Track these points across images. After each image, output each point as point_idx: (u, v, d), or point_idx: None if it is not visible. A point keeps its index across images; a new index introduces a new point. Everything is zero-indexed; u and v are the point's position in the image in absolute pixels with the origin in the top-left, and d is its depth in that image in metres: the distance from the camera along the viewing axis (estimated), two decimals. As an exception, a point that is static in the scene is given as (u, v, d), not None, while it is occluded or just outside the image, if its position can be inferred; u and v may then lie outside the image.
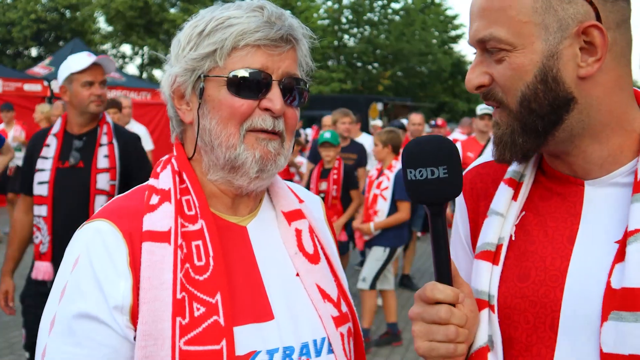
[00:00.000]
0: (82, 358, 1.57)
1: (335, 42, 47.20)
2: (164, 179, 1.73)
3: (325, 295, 1.79)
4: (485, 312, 1.62)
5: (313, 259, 1.83)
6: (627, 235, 1.47)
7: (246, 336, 1.63)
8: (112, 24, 40.88)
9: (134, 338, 1.57)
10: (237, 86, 1.66)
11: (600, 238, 1.54)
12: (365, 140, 11.29)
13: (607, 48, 1.49)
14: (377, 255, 7.89)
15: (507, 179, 1.71)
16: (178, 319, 1.56)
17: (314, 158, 9.72)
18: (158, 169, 1.77)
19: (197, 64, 1.68)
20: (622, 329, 1.41)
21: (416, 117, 12.14)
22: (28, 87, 17.42)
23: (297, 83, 1.74)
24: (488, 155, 1.86)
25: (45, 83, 17.80)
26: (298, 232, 1.84)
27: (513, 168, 1.71)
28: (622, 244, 1.48)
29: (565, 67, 1.51)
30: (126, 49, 58.67)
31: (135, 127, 12.45)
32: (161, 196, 1.69)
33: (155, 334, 1.54)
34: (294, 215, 1.86)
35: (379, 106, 28.53)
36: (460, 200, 1.86)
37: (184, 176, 1.74)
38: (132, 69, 57.65)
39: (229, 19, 1.66)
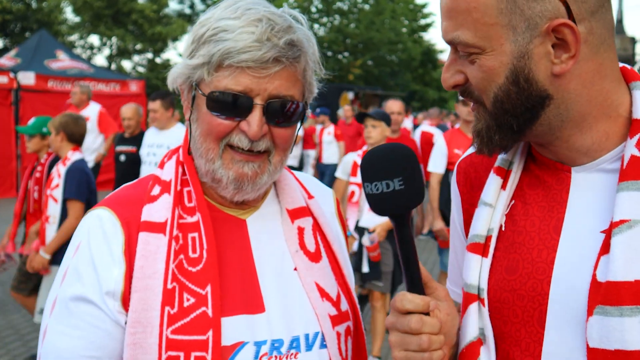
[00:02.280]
0: (77, 339, 1.63)
1: (305, 32, 46.97)
2: (167, 170, 1.79)
3: (324, 294, 1.80)
4: (475, 305, 1.62)
5: (314, 257, 1.84)
6: (612, 226, 1.44)
7: (234, 327, 1.66)
8: (80, 14, 40.35)
9: (125, 323, 1.63)
10: (215, 105, 1.65)
11: (586, 228, 1.52)
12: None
13: (581, 42, 1.45)
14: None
15: (496, 167, 1.69)
16: (167, 308, 1.61)
17: None
18: (165, 159, 1.84)
19: (191, 71, 1.69)
20: (607, 324, 1.40)
21: (394, 105, 9.27)
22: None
23: (285, 104, 1.68)
24: None
25: (12, 75, 17.55)
26: (300, 230, 1.85)
27: (502, 156, 1.69)
28: (608, 235, 1.45)
29: (538, 66, 1.48)
30: (94, 39, 58.07)
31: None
32: (162, 187, 1.75)
33: (144, 321, 1.60)
34: (298, 213, 1.86)
35: (350, 95, 28.52)
36: (454, 191, 1.85)
37: (185, 168, 1.79)
38: (100, 60, 57.10)
39: (222, 31, 1.62)
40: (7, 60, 19.50)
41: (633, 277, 1.39)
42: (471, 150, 1.85)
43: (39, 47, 19.74)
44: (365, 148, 7.36)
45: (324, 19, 48.54)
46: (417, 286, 1.55)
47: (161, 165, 1.82)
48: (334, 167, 14.73)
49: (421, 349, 1.49)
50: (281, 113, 1.68)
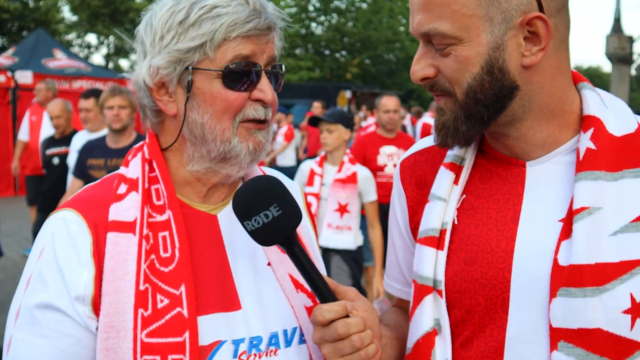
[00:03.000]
0: (45, 349, 1.56)
1: (303, 30, 47.04)
2: (133, 168, 1.72)
3: (298, 285, 1.78)
4: (430, 297, 1.68)
5: None
6: (572, 213, 1.52)
7: (211, 325, 1.63)
8: (77, 13, 40.37)
9: (96, 329, 1.56)
10: (231, 79, 1.64)
11: (543, 217, 1.60)
12: None
13: (551, 36, 1.52)
14: None
15: (447, 163, 1.74)
16: (140, 310, 1.55)
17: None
18: (129, 157, 1.76)
19: (183, 55, 1.63)
20: (570, 304, 1.48)
21: (389, 102, 7.97)
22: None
23: (282, 67, 1.76)
24: (424, 142, 1.91)
25: (9, 74, 17.52)
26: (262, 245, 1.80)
27: (454, 152, 1.74)
28: (568, 222, 1.53)
29: (510, 57, 1.54)
30: (91, 38, 58.03)
31: None
32: (129, 185, 1.67)
33: (117, 325, 1.53)
34: None
35: (347, 94, 28.52)
36: (398, 188, 1.90)
37: (154, 165, 1.72)
38: (97, 58, 57.00)
39: (215, 7, 1.61)
40: (4, 59, 19.47)
41: (594, 260, 1.48)
42: (414, 149, 1.92)
43: (37, 46, 19.70)
44: (322, 154, 6.66)
45: (322, 18, 48.52)
46: (328, 296, 1.59)
47: (125, 164, 1.74)
48: (286, 170, 13.88)
49: (356, 348, 1.54)
50: (278, 76, 1.75)
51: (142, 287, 1.56)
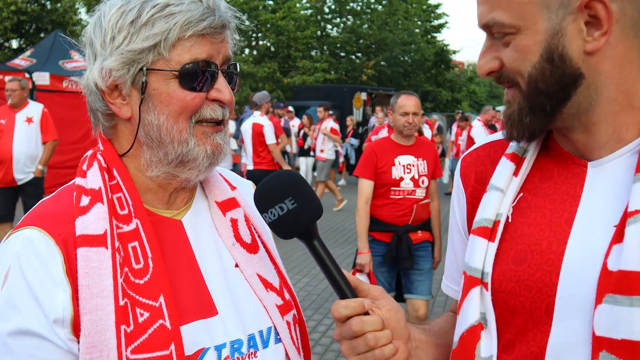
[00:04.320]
0: None
1: (318, 32, 47.06)
2: (92, 178, 1.62)
3: (267, 285, 1.77)
4: (477, 289, 1.62)
5: (251, 248, 1.80)
6: (626, 215, 1.44)
7: (193, 334, 1.59)
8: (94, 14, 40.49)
9: (79, 351, 1.48)
10: (188, 79, 1.58)
11: (599, 220, 1.52)
12: None
13: (613, 20, 1.46)
14: None
15: (509, 153, 1.70)
16: (122, 327, 1.48)
17: None
18: (84, 167, 1.66)
19: (136, 56, 1.56)
20: (616, 313, 1.39)
21: (409, 101, 6.33)
22: (9, 79, 17.24)
23: (236, 67, 1.72)
24: (489, 137, 1.87)
25: (27, 75, 17.65)
26: (234, 222, 1.80)
27: (517, 143, 1.70)
28: (622, 224, 1.45)
29: (571, 43, 1.48)
30: (108, 40, 58.31)
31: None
32: (92, 197, 1.58)
33: (99, 345, 1.46)
34: (228, 205, 1.81)
35: (363, 96, 28.50)
36: (457, 184, 1.86)
37: (115, 172, 1.64)
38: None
39: (168, 6, 1.56)
40: (22, 61, 19.60)
41: None
42: (478, 144, 1.88)
43: (54, 47, 19.81)
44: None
45: (337, 20, 48.52)
46: (348, 292, 1.58)
47: (82, 174, 1.65)
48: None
49: (369, 347, 1.52)
50: (233, 76, 1.71)
51: (121, 303, 1.49)
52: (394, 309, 1.63)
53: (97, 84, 1.61)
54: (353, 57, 48.43)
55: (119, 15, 1.58)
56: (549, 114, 1.55)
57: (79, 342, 1.47)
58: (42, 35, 34.74)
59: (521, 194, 1.66)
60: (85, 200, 1.58)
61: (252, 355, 1.69)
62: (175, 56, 1.57)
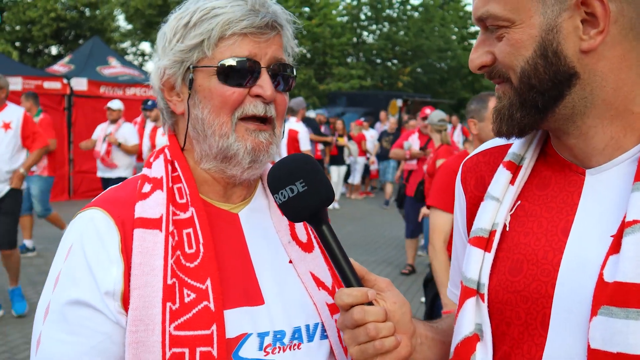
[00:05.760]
0: (76, 345, 1.59)
1: (354, 39, 47.15)
2: (156, 168, 1.76)
3: (319, 283, 1.80)
4: (472, 300, 1.60)
5: (307, 247, 1.85)
6: (624, 225, 1.40)
7: (236, 319, 1.65)
8: (132, 22, 41.09)
9: (126, 323, 1.58)
10: (227, 75, 1.68)
11: (596, 230, 1.48)
12: None
13: (611, 19, 1.43)
14: None
15: (506, 161, 1.67)
16: (168, 304, 1.57)
17: None
18: (151, 159, 1.81)
19: (185, 55, 1.70)
20: (611, 325, 1.35)
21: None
22: (48, 84, 17.51)
23: (285, 69, 1.76)
24: (490, 142, 1.85)
25: (65, 81, 17.90)
26: (291, 222, 1.84)
27: (513, 150, 1.67)
28: (619, 235, 1.41)
29: (566, 40, 1.45)
30: (145, 47, 58.96)
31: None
32: (153, 184, 1.71)
33: (145, 319, 1.56)
34: None
35: (399, 102, 28.42)
36: (459, 190, 1.84)
37: (176, 165, 1.77)
38: (151, 66, 57.94)
39: (213, 9, 1.68)
40: (60, 67, 19.90)
41: None
42: (479, 149, 1.86)
43: (92, 53, 20.09)
44: None
45: (373, 27, 48.58)
46: (353, 280, 1.57)
47: (148, 165, 1.79)
48: None
49: (370, 337, 1.50)
50: (282, 76, 1.76)
51: (169, 282, 1.59)
52: (399, 302, 1.62)
53: (154, 82, 1.78)
54: (389, 64, 48.45)
55: (176, 20, 1.74)
56: (540, 111, 1.51)
57: (127, 316, 1.58)
58: (80, 42, 35.24)
59: (519, 202, 1.64)
60: (147, 187, 1.71)
61: (296, 347, 1.73)
62: (217, 54, 1.69)
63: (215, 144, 1.71)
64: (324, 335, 1.78)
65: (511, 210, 1.63)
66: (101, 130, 12.49)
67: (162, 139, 11.40)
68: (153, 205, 1.66)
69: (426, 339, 1.76)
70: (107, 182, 11.97)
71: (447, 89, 47.89)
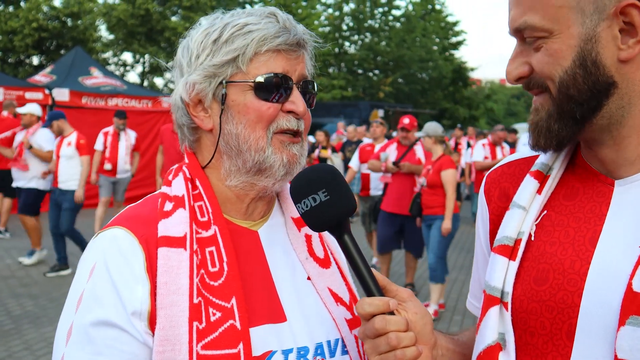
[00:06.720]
0: None
1: (336, 49, 47.20)
2: (176, 186, 1.74)
3: (337, 299, 1.82)
4: (496, 309, 1.59)
5: (324, 263, 1.86)
6: None
7: (262, 336, 1.65)
8: (114, 32, 40.88)
9: (153, 344, 1.57)
10: (263, 90, 1.69)
11: (624, 240, 1.48)
12: None
13: None
14: None
15: (534, 171, 1.67)
16: (195, 323, 1.57)
17: None
18: (170, 177, 1.79)
19: (217, 70, 1.70)
20: (639, 335, 1.36)
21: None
22: (29, 95, 17.38)
23: (313, 84, 1.80)
24: (516, 154, 1.84)
25: (47, 91, 17.80)
26: (308, 238, 1.87)
27: (542, 160, 1.67)
28: None
29: (605, 50, 1.45)
30: (127, 57, 58.77)
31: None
32: (175, 202, 1.70)
33: (172, 339, 1.55)
34: (303, 222, 1.84)
35: (380, 113, 28.53)
36: (482, 201, 1.83)
37: (197, 183, 1.76)
38: (133, 76, 57.74)
39: (246, 25, 1.69)
40: (42, 77, 19.78)
41: None
42: (504, 160, 1.85)
43: (74, 64, 19.99)
44: None
45: (355, 37, 48.66)
46: (374, 290, 1.58)
47: (168, 183, 1.77)
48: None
49: (391, 347, 1.49)
50: (310, 93, 1.79)
51: (195, 301, 1.59)
52: (420, 312, 1.61)
53: (182, 97, 1.75)
54: (370, 74, 48.53)
55: (204, 36, 1.72)
56: (578, 122, 1.51)
57: (153, 336, 1.56)
58: (62, 52, 35.07)
59: (545, 212, 1.63)
60: (168, 206, 1.70)
61: None
62: (252, 69, 1.69)
63: (250, 158, 1.71)
64: (345, 351, 1.78)
65: (537, 220, 1.63)
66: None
67: (66, 150, 11.25)
68: (176, 224, 1.65)
69: (447, 351, 1.75)
70: (19, 192, 11.97)
71: (429, 99, 48.03)
